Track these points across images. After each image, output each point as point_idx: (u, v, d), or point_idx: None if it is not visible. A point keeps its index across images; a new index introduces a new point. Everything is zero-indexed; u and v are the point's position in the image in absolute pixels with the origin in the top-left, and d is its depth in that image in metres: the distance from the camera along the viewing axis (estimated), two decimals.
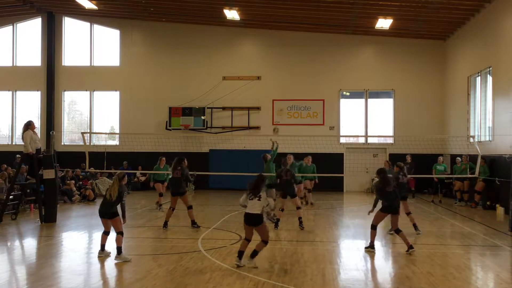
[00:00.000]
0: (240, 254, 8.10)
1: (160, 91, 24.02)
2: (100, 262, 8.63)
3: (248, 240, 8.21)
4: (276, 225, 11.90)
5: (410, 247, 9.24)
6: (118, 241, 8.63)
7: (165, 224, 11.86)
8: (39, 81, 24.74)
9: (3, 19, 24.78)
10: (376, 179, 10.14)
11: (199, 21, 23.63)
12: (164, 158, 16.43)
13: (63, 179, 18.53)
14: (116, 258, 8.58)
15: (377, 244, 10.67)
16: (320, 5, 19.82)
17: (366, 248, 9.68)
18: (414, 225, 11.50)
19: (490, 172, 16.21)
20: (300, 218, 12.15)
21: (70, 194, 18.04)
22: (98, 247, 9.17)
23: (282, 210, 12.21)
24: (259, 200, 8.10)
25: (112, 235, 8.93)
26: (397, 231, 9.50)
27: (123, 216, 9.02)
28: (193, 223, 11.96)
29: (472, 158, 17.13)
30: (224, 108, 23.67)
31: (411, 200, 19.32)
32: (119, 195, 8.72)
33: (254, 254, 8.08)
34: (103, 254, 8.88)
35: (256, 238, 8.22)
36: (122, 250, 8.64)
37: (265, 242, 8.13)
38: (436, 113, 22.96)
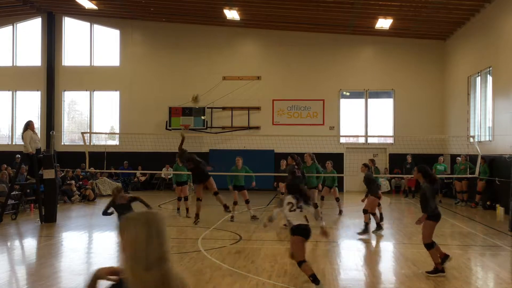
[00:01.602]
0: (315, 277, 6.68)
1: (160, 91, 24.02)
2: (101, 262, 8.64)
3: (305, 261, 6.74)
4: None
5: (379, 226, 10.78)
6: None
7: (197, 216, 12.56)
8: (39, 81, 24.73)
9: (3, 19, 24.78)
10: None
11: (199, 21, 23.63)
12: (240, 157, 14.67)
13: (64, 179, 18.53)
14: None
15: (377, 244, 10.69)
16: (320, 5, 19.82)
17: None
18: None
19: (490, 172, 16.22)
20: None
21: (70, 194, 18.05)
22: (98, 247, 9.26)
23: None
24: (301, 211, 6.80)
25: None
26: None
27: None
28: (225, 207, 12.46)
29: (472, 158, 17.14)
30: (224, 108, 23.67)
31: (411, 200, 19.38)
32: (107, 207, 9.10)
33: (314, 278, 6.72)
34: None
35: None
36: None
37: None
38: (436, 113, 22.97)
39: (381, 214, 12.53)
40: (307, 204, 6.76)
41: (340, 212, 14.93)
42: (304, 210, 6.76)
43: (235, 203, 13.26)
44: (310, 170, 13.13)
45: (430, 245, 7.71)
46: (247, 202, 13.41)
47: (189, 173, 13.86)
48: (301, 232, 6.66)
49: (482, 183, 16.34)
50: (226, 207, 12.36)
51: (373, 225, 11.37)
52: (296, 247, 6.71)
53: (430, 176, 7.70)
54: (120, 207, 8.86)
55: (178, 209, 14.31)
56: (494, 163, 16.20)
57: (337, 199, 15.01)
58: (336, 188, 14.94)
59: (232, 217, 13.14)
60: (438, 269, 7.59)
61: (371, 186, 11.16)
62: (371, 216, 11.24)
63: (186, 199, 14.12)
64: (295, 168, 11.50)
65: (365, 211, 11.17)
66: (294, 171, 11.19)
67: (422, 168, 7.76)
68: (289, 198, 6.87)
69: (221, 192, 12.95)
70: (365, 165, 11.53)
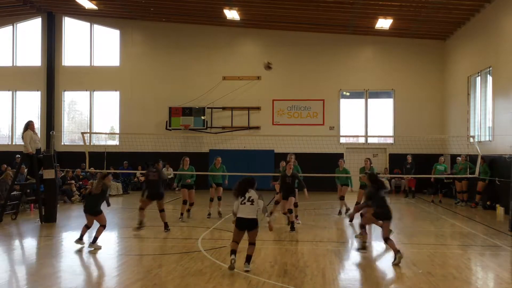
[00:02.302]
0: (234, 253, 7.83)
1: (160, 91, 24.03)
2: (101, 262, 8.64)
3: (237, 242, 7.96)
4: (292, 228, 11.61)
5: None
6: (99, 231, 9.72)
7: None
8: (39, 81, 24.74)
9: (3, 19, 24.78)
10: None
11: (199, 21, 23.64)
12: (187, 158, 14.44)
13: (64, 179, 18.52)
14: (89, 246, 9.57)
15: (377, 244, 10.68)
16: (320, 5, 19.82)
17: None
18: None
19: (490, 172, 16.21)
20: (292, 222, 11.80)
21: (70, 194, 18.04)
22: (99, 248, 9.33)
23: (284, 213, 12.16)
24: (252, 204, 7.79)
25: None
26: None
27: (108, 204, 10.48)
28: (166, 225, 11.58)
29: (472, 158, 17.13)
30: (224, 108, 23.67)
31: (411, 200, 19.38)
32: (102, 192, 9.81)
33: (248, 259, 7.88)
34: (80, 243, 9.76)
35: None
36: (97, 240, 9.63)
37: (254, 244, 8.00)
38: (436, 113, 22.97)
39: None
40: (260, 199, 7.87)
41: (347, 211, 14.54)
42: (255, 204, 7.80)
43: (211, 200, 14.02)
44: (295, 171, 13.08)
45: (363, 226, 9.61)
46: (219, 198, 14.12)
47: (197, 173, 14.18)
48: (237, 224, 7.91)
49: (482, 183, 16.34)
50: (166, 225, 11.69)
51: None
52: (234, 232, 8.05)
53: (377, 182, 9.06)
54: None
55: (182, 214, 13.59)
56: (494, 163, 16.20)
57: (341, 198, 14.66)
58: (346, 187, 14.45)
59: (209, 214, 13.94)
60: (364, 247, 9.44)
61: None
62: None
63: (191, 204, 13.73)
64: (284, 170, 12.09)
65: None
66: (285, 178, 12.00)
67: (371, 176, 9.44)
68: (253, 194, 7.91)
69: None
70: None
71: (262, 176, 14.29)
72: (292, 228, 11.60)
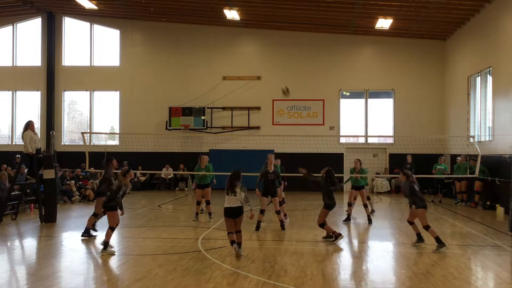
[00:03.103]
0: (234, 242, 8.92)
1: (160, 91, 24.04)
2: (101, 262, 8.64)
3: (232, 232, 8.96)
4: (258, 228, 11.68)
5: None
6: (107, 235, 9.18)
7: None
8: (39, 81, 24.75)
9: (3, 19, 24.79)
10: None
11: (199, 21, 23.64)
12: (205, 156, 14.09)
13: (62, 179, 18.52)
14: (102, 251, 9.09)
15: (377, 244, 10.69)
16: (320, 5, 19.82)
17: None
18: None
19: (488, 171, 16.19)
20: (281, 220, 11.92)
21: (70, 194, 18.04)
22: (98, 247, 9.29)
23: (262, 211, 11.98)
24: (235, 195, 8.85)
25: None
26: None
27: (121, 208, 9.38)
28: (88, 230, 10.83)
29: (472, 158, 17.12)
30: (224, 108, 23.67)
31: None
32: (117, 189, 9.27)
33: (239, 245, 8.96)
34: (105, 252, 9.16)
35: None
36: (108, 245, 9.17)
37: (240, 231, 9.03)
38: (436, 113, 22.98)
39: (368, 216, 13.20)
40: (242, 191, 8.88)
41: (372, 211, 14.35)
42: (237, 195, 8.82)
43: (198, 203, 13.55)
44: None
45: (322, 225, 10.33)
46: (207, 202, 13.51)
47: (214, 173, 13.89)
48: (226, 212, 8.92)
49: (479, 182, 16.41)
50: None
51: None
52: (225, 222, 9.05)
53: (332, 178, 10.45)
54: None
55: (197, 214, 13.43)
56: (494, 163, 16.19)
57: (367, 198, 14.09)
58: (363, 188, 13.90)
59: (196, 214, 13.44)
60: (336, 236, 10.14)
61: (413, 198, 9.96)
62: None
63: (208, 202, 13.50)
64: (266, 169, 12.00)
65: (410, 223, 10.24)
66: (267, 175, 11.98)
67: (328, 172, 10.56)
68: (238, 186, 8.93)
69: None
70: (403, 173, 10.39)
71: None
72: (283, 227, 11.80)
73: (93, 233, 10.90)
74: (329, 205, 10.39)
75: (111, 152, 21.84)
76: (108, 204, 9.30)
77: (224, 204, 9.00)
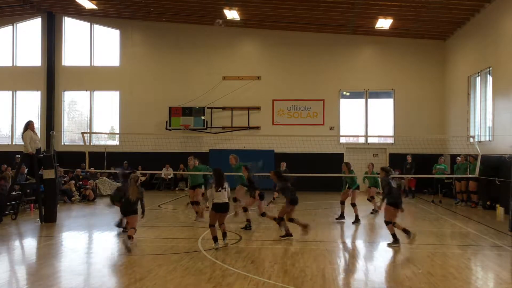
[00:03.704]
0: (215, 238, 9.46)
1: (160, 91, 24.04)
2: (101, 262, 8.64)
3: (214, 226, 9.60)
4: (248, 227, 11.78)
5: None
6: (130, 232, 9.61)
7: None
8: (39, 81, 24.75)
9: (3, 19, 24.79)
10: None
11: (199, 21, 23.64)
12: (191, 157, 13.98)
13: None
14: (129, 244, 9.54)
15: (377, 244, 10.69)
16: (320, 5, 19.82)
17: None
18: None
19: (485, 170, 16.14)
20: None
21: (70, 194, 18.04)
22: (98, 247, 9.28)
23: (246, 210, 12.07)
24: (225, 190, 9.57)
25: None
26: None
27: (142, 212, 9.87)
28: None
29: (471, 157, 17.13)
30: (224, 108, 23.67)
31: (411, 200, 19.37)
32: (139, 196, 9.78)
33: (225, 235, 9.72)
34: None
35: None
36: (134, 239, 9.66)
37: (223, 223, 9.76)
38: (436, 113, 22.98)
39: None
40: (228, 187, 9.74)
41: (376, 209, 15.00)
42: (226, 191, 9.62)
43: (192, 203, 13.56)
44: (236, 171, 13.18)
45: (280, 219, 10.80)
46: (196, 203, 13.42)
47: (207, 173, 13.73)
48: (215, 207, 9.56)
49: (474, 182, 16.46)
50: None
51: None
52: (211, 216, 9.66)
53: (281, 177, 10.99)
54: None
55: (197, 212, 13.41)
56: (494, 163, 16.18)
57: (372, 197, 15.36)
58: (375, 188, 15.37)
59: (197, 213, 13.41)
60: (288, 234, 10.58)
61: (386, 193, 10.14)
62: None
63: (195, 203, 13.47)
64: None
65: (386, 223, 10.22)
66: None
67: (275, 172, 11.16)
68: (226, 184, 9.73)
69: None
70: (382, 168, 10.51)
71: (262, 176, 14.22)
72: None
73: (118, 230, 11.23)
74: (295, 200, 10.74)
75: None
76: (133, 209, 9.76)
77: (211, 199, 9.73)
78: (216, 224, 9.67)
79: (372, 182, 15.60)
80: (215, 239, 9.44)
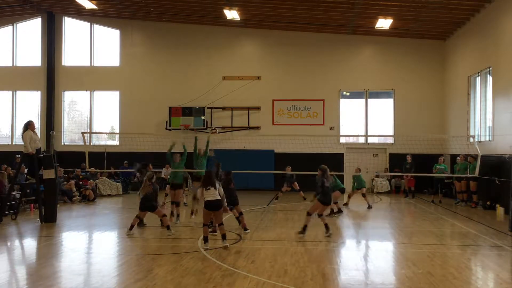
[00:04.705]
0: (206, 239, 9.51)
1: (160, 91, 24.04)
2: (101, 262, 8.65)
3: (207, 225, 9.67)
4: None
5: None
6: (165, 222, 11.16)
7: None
8: (39, 81, 24.75)
9: (3, 19, 24.79)
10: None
11: (199, 21, 23.64)
12: (178, 154, 13.82)
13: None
14: (168, 233, 10.87)
15: (377, 244, 10.70)
16: (320, 5, 19.82)
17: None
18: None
19: (484, 170, 16.13)
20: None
21: (70, 194, 18.04)
22: (98, 247, 9.28)
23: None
24: (215, 189, 9.65)
25: None
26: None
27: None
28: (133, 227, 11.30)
29: (471, 157, 17.14)
30: (224, 108, 23.67)
31: (411, 200, 19.38)
32: (154, 191, 11.02)
33: (225, 236, 9.66)
34: (130, 233, 11.04)
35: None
36: (170, 227, 11.04)
37: (222, 224, 9.73)
38: (436, 113, 22.98)
39: (339, 208, 14.49)
40: (219, 185, 9.87)
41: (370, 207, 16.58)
42: (217, 189, 9.67)
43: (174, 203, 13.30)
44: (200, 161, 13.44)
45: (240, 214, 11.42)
46: (176, 204, 13.16)
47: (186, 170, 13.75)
48: (207, 205, 9.58)
49: (474, 182, 16.46)
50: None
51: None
52: (204, 215, 9.66)
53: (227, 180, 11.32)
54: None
55: (173, 213, 13.11)
56: (494, 163, 16.18)
57: (363, 196, 17.01)
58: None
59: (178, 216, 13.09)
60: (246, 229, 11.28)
61: (320, 190, 11.05)
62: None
63: (177, 204, 13.17)
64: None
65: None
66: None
67: (226, 173, 11.56)
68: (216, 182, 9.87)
69: None
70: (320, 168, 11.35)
71: (261, 175, 14.22)
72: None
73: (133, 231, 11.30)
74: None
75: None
76: (152, 204, 11.01)
77: (201, 198, 9.83)
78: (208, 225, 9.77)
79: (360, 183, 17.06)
80: (205, 239, 9.49)
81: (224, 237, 9.62)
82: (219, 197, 9.67)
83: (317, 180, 11.21)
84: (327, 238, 10.82)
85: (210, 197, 9.59)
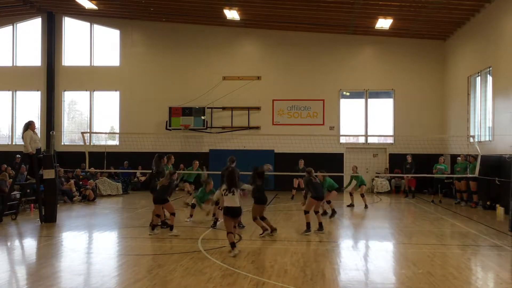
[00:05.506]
0: (233, 244, 9.00)
1: (160, 91, 24.04)
2: (101, 262, 8.65)
3: (231, 232, 9.14)
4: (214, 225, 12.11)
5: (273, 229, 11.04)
6: (171, 220, 11.12)
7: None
8: (39, 81, 24.75)
9: (3, 19, 24.79)
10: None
11: (199, 21, 23.64)
12: (170, 155, 14.20)
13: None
14: (169, 233, 10.91)
15: (377, 244, 10.70)
16: (320, 5, 19.82)
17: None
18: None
19: (484, 170, 16.14)
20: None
21: (70, 194, 18.04)
22: (98, 247, 9.26)
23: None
24: (233, 194, 9.17)
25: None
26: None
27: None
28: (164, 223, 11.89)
29: (471, 157, 17.14)
30: (224, 108, 23.67)
31: (411, 200, 19.38)
32: (169, 186, 11.09)
33: (239, 240, 9.76)
34: (153, 233, 11.15)
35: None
36: (174, 228, 11.05)
37: (231, 232, 9.14)
38: (436, 113, 22.98)
39: (333, 209, 14.25)
40: (236, 189, 9.21)
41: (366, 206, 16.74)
42: (235, 194, 9.16)
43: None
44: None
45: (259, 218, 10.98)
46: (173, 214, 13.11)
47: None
48: (227, 212, 9.14)
49: (474, 182, 16.45)
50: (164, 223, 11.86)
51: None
52: (226, 223, 9.19)
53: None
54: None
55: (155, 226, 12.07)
56: (494, 163, 16.18)
57: (362, 195, 17.06)
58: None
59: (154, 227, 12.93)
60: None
61: (309, 189, 11.68)
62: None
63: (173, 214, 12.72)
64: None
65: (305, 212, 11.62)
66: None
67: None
68: (223, 187, 9.39)
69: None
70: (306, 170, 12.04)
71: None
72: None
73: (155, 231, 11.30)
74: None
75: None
76: (164, 197, 11.09)
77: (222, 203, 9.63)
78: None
79: (359, 182, 17.14)
80: (232, 244, 8.95)
81: (233, 245, 9.02)
82: (239, 204, 9.19)
83: (305, 181, 11.92)
84: (327, 238, 10.82)
85: (229, 203, 9.14)
